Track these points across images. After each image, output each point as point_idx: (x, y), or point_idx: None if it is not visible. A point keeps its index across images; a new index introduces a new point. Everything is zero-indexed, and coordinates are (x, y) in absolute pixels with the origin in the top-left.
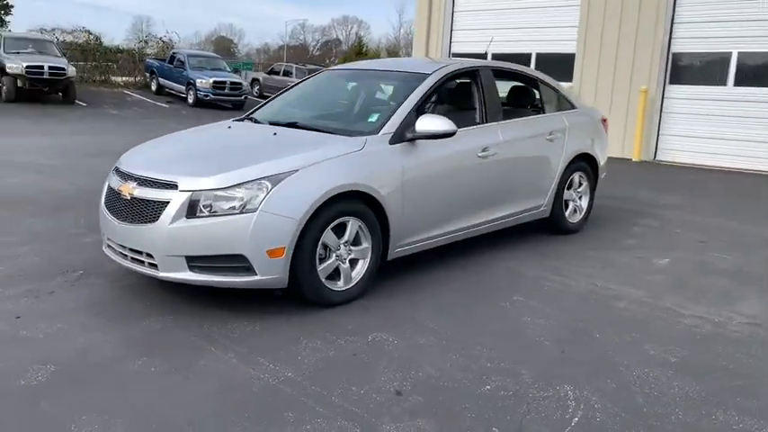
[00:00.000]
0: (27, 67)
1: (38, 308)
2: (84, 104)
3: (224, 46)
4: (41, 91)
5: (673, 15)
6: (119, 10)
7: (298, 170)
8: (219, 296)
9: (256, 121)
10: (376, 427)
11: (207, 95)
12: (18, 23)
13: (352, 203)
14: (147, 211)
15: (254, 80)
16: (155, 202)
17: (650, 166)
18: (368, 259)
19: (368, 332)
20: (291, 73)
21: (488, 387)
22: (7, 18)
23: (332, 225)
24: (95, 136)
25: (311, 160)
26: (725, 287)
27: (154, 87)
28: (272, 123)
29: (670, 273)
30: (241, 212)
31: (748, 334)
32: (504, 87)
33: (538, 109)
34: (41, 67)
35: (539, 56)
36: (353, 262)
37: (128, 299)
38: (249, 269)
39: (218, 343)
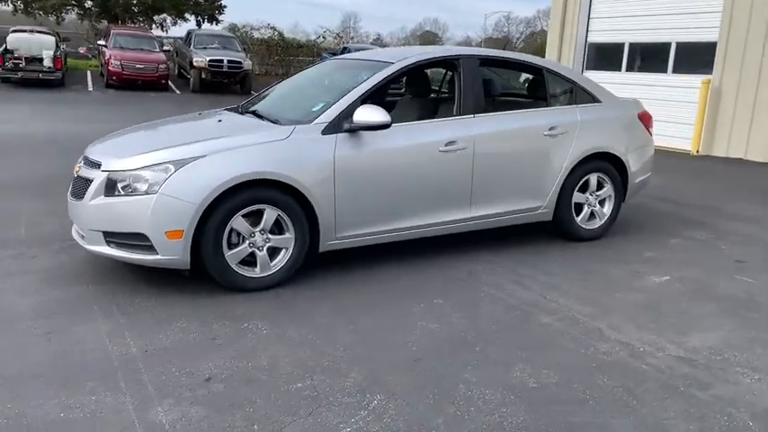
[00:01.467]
0: (209, 60)
1: (8, 267)
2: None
3: (429, 40)
4: (221, 82)
5: None
6: (331, 6)
7: (205, 156)
8: (151, 271)
9: (241, 111)
10: (150, 409)
11: None
12: (232, 19)
13: (267, 192)
14: (81, 189)
15: None
16: (85, 179)
17: None
18: (290, 249)
19: (249, 320)
20: None
21: (299, 385)
22: (221, 17)
23: (243, 212)
24: None
25: (223, 147)
26: (701, 314)
27: None
28: (249, 112)
29: (653, 292)
30: (146, 194)
31: (662, 369)
32: (515, 78)
33: (540, 101)
34: (221, 60)
35: (678, 45)
36: (276, 251)
37: (84, 267)
38: (152, 248)
39: (109, 314)
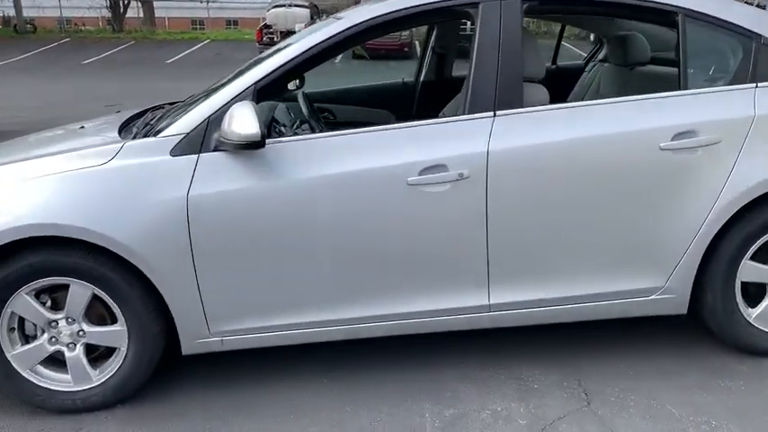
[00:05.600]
0: None
1: None
2: None
3: None
4: None
5: None
6: None
7: None
8: None
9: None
10: None
11: None
12: None
13: (71, 256)
14: None
15: None
16: None
17: None
18: (124, 349)
19: None
20: None
21: None
22: None
23: (32, 287)
24: None
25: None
26: None
27: None
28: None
29: None
30: None
31: None
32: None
33: (662, 80)
34: None
35: None
36: (110, 351)
37: None
38: None
39: None
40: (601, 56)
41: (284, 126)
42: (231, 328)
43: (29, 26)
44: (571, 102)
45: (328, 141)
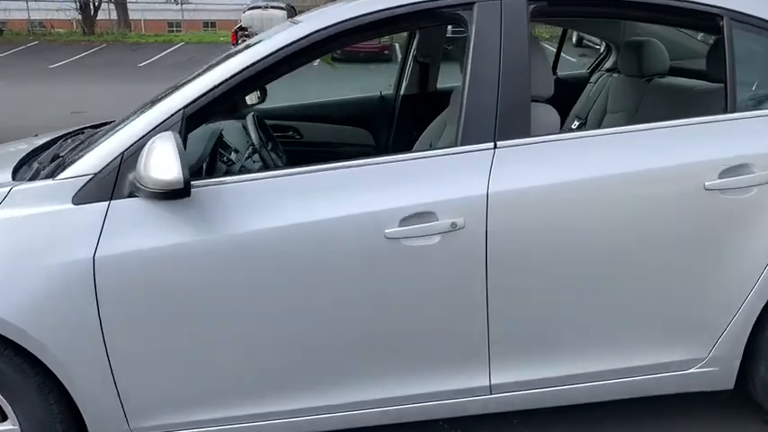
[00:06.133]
0: None
1: None
2: None
3: None
4: None
5: None
6: None
7: None
8: None
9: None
10: None
11: None
12: None
13: None
14: None
15: None
16: None
17: None
18: None
19: None
20: None
21: None
22: None
23: None
24: None
25: None
26: None
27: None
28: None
29: None
30: None
31: None
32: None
33: (702, 100)
34: None
35: None
36: None
37: None
38: None
39: None
40: (608, 64)
41: (236, 152)
42: (160, 422)
43: None
44: (577, 118)
45: (277, 183)
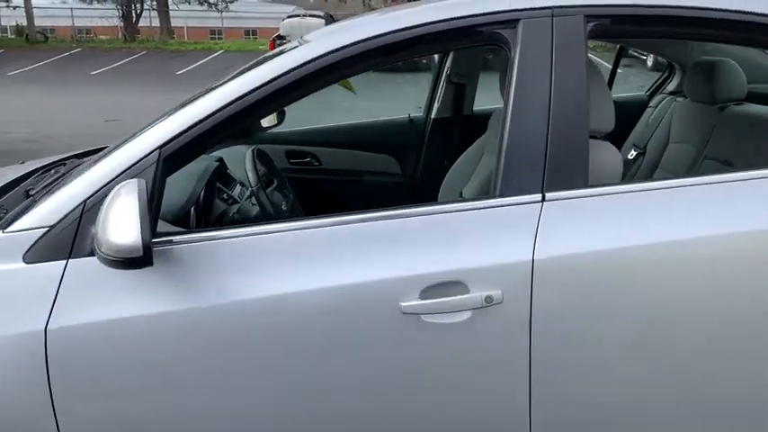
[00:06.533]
0: None
1: None
2: None
3: None
4: None
5: None
6: None
7: None
8: None
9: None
10: None
11: None
12: None
13: None
14: None
15: None
16: None
17: None
18: None
19: None
20: None
21: None
22: None
23: None
24: None
25: None
26: None
27: None
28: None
29: None
30: None
31: None
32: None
33: None
34: None
35: None
36: None
37: None
38: None
39: None
40: (671, 87)
41: (241, 185)
42: None
43: (39, 35)
44: (634, 147)
45: (260, 242)
